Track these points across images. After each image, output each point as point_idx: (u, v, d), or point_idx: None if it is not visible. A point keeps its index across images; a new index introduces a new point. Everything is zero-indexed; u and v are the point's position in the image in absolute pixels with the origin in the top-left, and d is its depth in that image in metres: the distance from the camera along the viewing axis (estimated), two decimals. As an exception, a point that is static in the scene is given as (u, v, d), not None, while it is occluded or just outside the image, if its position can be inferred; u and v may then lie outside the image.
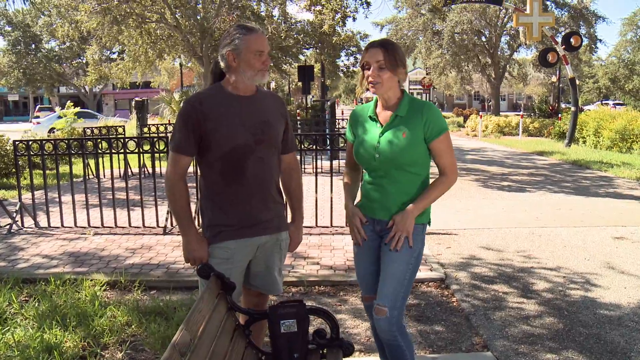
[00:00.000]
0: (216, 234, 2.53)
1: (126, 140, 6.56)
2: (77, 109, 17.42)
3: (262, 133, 2.53)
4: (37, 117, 31.15)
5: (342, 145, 6.57)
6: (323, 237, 6.15)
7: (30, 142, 6.66)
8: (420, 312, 4.19)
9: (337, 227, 6.54)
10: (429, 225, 2.69)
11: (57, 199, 6.80)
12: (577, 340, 3.65)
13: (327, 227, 6.53)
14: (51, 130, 21.60)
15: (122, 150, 6.49)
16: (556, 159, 14.37)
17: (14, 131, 22.39)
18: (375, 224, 2.65)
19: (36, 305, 4.22)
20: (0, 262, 5.34)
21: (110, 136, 11.32)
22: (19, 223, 6.71)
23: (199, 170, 2.63)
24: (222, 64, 2.54)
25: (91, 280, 4.74)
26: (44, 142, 6.67)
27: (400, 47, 2.63)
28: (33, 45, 43.53)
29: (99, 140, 6.73)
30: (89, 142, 6.74)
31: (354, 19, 12.57)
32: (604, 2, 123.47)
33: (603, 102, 43.02)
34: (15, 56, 42.38)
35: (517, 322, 3.96)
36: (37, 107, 44.14)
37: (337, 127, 15.21)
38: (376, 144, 2.58)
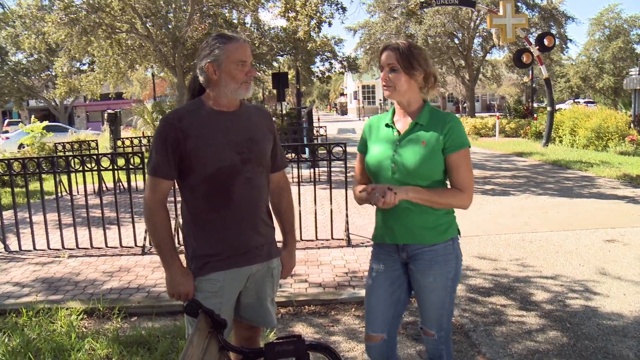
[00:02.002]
0: (202, 265, 2.29)
1: (99, 156, 6.24)
2: (45, 123, 16.91)
3: (249, 151, 2.30)
4: (6, 132, 30.32)
5: (323, 155, 6.36)
6: (309, 251, 5.92)
7: (-3, 162, 6.33)
8: (417, 331, 3.97)
9: (322, 240, 6.33)
10: (459, 235, 2.49)
11: (28, 220, 6.46)
12: (584, 356, 3.48)
13: (312, 240, 6.31)
14: (21, 145, 21.00)
15: (95, 168, 6.17)
16: (536, 160, 14.37)
17: (-18, 147, 21.76)
18: (400, 251, 2.44)
19: (6, 340, 3.91)
20: (-33, 292, 5.00)
21: (83, 153, 10.97)
22: (-13, 247, 6.36)
23: (180, 195, 2.39)
24: (201, 78, 2.31)
25: (67, 309, 4.45)
26: (11, 160, 6.33)
27: (421, 50, 2.40)
28: (-1, 59, 42.49)
29: (71, 157, 6.38)
30: (60, 159, 6.39)
31: (330, 25, 12.46)
32: (573, 2, 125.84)
33: (575, 100, 43.65)
34: (-20, 70, 41.28)
35: (520, 337, 3.78)
36: (6, 121, 43.04)
37: (315, 134, 15.01)
38: (392, 153, 2.38)
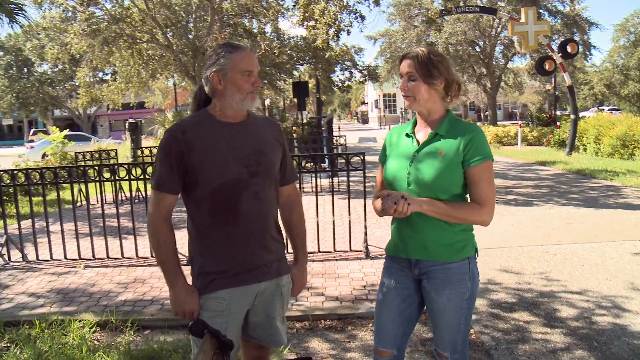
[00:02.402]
0: (208, 283, 2.20)
1: (116, 166, 6.22)
2: (65, 132, 17.09)
3: (257, 164, 2.21)
4: (32, 141, 30.82)
5: (342, 164, 6.24)
6: (326, 263, 5.81)
7: (15, 172, 6.34)
8: (437, 348, 3.84)
9: (341, 251, 6.20)
10: (477, 254, 2.34)
11: (46, 229, 6.45)
12: (614, 377, 3.31)
13: (330, 251, 6.19)
14: (44, 154, 21.28)
15: (112, 178, 6.15)
16: (559, 169, 14.08)
17: (8, 155, 22.11)
18: (412, 267, 2.33)
19: (18, 353, 3.86)
20: (-17, 303, 4.99)
21: (101, 163, 11.03)
22: (6, 257, 6.36)
23: (186, 210, 2.30)
24: (206, 88, 2.23)
25: (80, 321, 4.39)
26: (30, 170, 6.34)
27: (443, 57, 2.29)
28: (25, 69, 43.36)
29: (87, 167, 6.37)
30: (77, 169, 6.38)
31: (349, 33, 12.44)
32: (597, 8, 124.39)
33: (599, 108, 42.95)
34: (7, 80, 42.17)
35: (544, 356, 3.61)
36: (32, 130, 43.82)
37: (335, 144, 14.91)
38: (409, 164, 2.27)
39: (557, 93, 34.20)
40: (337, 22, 11.23)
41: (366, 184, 6.38)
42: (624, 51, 38.64)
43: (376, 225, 7.44)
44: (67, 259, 6.29)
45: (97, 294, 5.10)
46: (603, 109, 41.30)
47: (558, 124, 22.38)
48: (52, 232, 6.86)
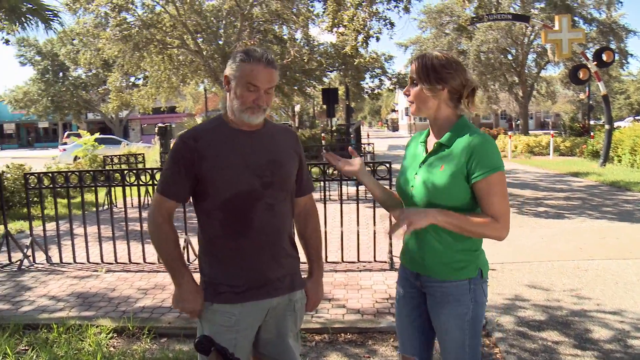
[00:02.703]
0: (216, 293, 2.10)
1: (139, 171, 6.21)
2: (96, 135, 17.32)
3: (271, 175, 2.11)
4: (65, 143, 31.44)
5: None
6: (349, 274, 5.68)
7: (41, 175, 6.39)
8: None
9: (365, 262, 6.07)
10: (482, 277, 2.19)
11: (70, 232, 6.47)
12: (649, 405, 3.11)
13: (354, 262, 6.07)
14: (76, 157, 21.64)
15: (135, 183, 6.14)
16: (592, 181, 13.69)
17: (43, 157, 22.51)
18: (414, 278, 2.25)
19: (34, 357, 3.84)
20: (4, 305, 5.00)
21: (126, 167, 11.11)
22: (31, 259, 6.40)
23: (197, 219, 2.21)
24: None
25: (97, 326, 4.35)
26: (55, 174, 6.38)
27: (450, 62, 2.14)
28: (61, 74, 44.37)
29: (112, 172, 6.39)
30: (101, 173, 6.39)
31: (377, 40, 12.31)
32: (635, 15, 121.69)
33: (635, 117, 41.86)
34: (44, 84, 43.22)
35: (575, 380, 3.43)
36: (66, 133, 44.76)
37: (362, 151, 14.79)
38: (414, 175, 2.18)
39: (591, 102, 33.46)
40: (366, 29, 11.13)
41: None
42: (662, 60, 37.62)
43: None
44: (90, 263, 6.29)
45: (116, 299, 5.07)
46: (638, 119, 40.27)
47: (592, 134, 21.86)
48: (76, 235, 6.89)
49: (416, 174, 2.17)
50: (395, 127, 70.49)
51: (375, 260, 6.09)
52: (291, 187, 2.22)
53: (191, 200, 2.19)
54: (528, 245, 6.86)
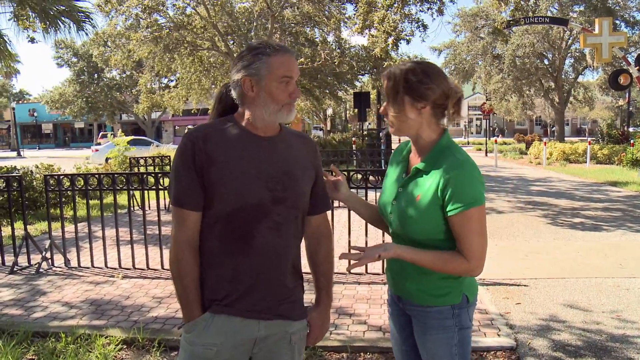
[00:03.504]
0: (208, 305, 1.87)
1: (159, 175, 6.06)
2: (129, 138, 17.39)
3: (283, 189, 1.86)
4: (99, 144, 31.87)
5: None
6: (373, 287, 5.41)
7: (61, 177, 6.29)
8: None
9: (389, 273, 5.79)
10: (468, 301, 1.99)
11: (89, 236, 6.36)
12: None
13: (379, 274, 5.79)
14: (107, 158, 21.84)
15: (154, 187, 6.00)
16: (633, 191, 13.10)
17: (77, 157, 22.86)
18: (397, 299, 2.11)
19: (38, 370, 3.68)
20: (17, 310, 4.89)
21: (157, 168, 11.05)
22: (49, 262, 6.31)
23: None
24: (234, 93, 1.89)
25: (106, 337, 4.19)
26: (75, 176, 6.28)
27: (427, 74, 1.90)
28: (96, 75, 45.15)
29: (132, 175, 6.26)
30: (121, 177, 6.27)
31: (408, 42, 11.96)
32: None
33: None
34: (79, 85, 44.04)
35: (616, 416, 3.10)
36: (100, 134, 45.52)
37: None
38: (393, 201, 1.98)
39: (630, 109, 32.40)
40: (396, 31, 10.85)
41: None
42: None
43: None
44: (108, 267, 6.17)
45: (129, 307, 4.90)
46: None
47: (632, 141, 21.07)
48: (96, 238, 6.79)
49: (395, 199, 1.98)
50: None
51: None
52: (303, 206, 1.96)
53: None
54: (563, 259, 6.48)
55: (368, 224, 2.75)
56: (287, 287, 1.92)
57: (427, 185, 1.87)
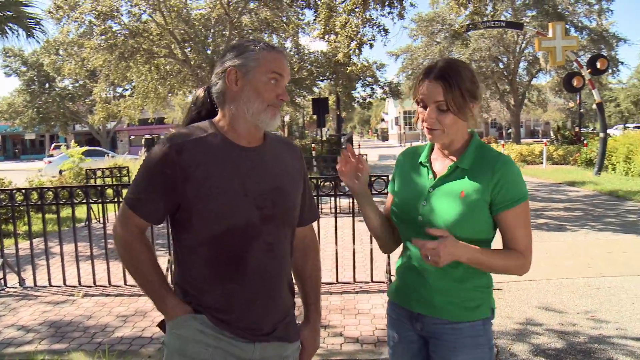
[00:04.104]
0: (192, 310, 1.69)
1: (119, 187, 5.79)
2: (84, 149, 16.84)
3: (273, 206, 1.68)
4: (52, 155, 30.85)
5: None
6: (345, 297, 5.28)
7: (14, 191, 5.95)
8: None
9: (361, 282, 5.68)
10: (493, 317, 1.87)
11: (47, 252, 6.02)
12: None
13: (350, 282, 5.67)
14: (62, 170, 21.11)
15: (115, 200, 5.72)
16: (590, 190, 13.39)
17: (28, 170, 21.98)
18: (412, 319, 1.88)
19: (-6, 402, 3.40)
20: (-32, 337, 4.55)
21: (114, 179, 10.67)
22: (2, 282, 5.94)
23: (173, 253, 1.79)
24: (215, 88, 1.69)
25: (68, 362, 3.93)
26: (29, 190, 5.94)
27: (469, 70, 1.80)
28: (47, 85, 43.78)
29: (89, 188, 5.97)
30: (77, 190, 5.97)
31: (371, 47, 11.91)
32: (625, 24, 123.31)
33: (625, 125, 41.93)
34: (29, 95, 42.59)
35: (605, 422, 3.05)
36: (53, 145, 44.11)
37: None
38: (422, 203, 1.79)
39: (581, 110, 33.40)
40: (359, 35, 10.80)
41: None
42: (651, 68, 37.72)
43: (398, 252, 6.89)
44: (67, 286, 5.85)
45: (92, 328, 4.63)
46: (628, 127, 40.32)
47: (585, 142, 21.66)
48: (53, 255, 6.45)
49: (425, 200, 1.80)
50: (385, 137, 70.28)
51: (372, 281, 5.70)
52: (294, 220, 1.80)
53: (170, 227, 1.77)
54: (533, 260, 6.40)
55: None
56: (283, 308, 1.77)
57: (473, 182, 1.75)
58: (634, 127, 37.52)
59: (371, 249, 5.74)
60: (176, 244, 1.73)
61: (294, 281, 1.93)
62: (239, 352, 1.69)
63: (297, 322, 1.90)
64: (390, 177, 2.07)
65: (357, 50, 10.96)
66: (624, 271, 5.99)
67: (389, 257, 5.74)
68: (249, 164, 1.67)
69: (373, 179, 5.68)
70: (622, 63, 29.98)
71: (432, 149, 1.91)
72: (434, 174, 1.85)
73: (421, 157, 1.91)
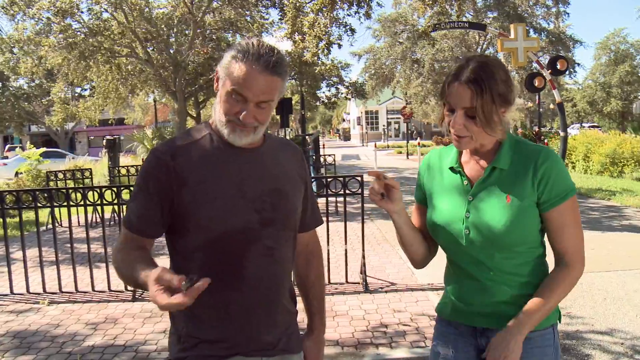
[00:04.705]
0: (193, 345, 1.59)
1: (86, 190, 5.59)
2: (42, 150, 16.31)
3: (273, 209, 1.60)
4: (6, 157, 29.84)
5: (338, 191, 5.63)
6: (322, 298, 5.21)
7: (-28, 195, 5.67)
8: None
9: (336, 284, 5.63)
10: (559, 322, 1.78)
11: (8, 258, 5.76)
12: None
13: (325, 284, 5.59)
14: (18, 173, 20.41)
15: (81, 202, 5.51)
16: (553, 188, 13.67)
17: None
18: (477, 335, 1.75)
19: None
20: None
21: (77, 181, 10.35)
22: (-39, 291, 5.67)
23: (170, 260, 1.68)
24: None
25: (37, 374, 3.75)
26: (-12, 194, 5.67)
27: (503, 71, 1.65)
28: (0, 84, 42.32)
29: (55, 191, 5.74)
30: (41, 193, 5.74)
31: (340, 47, 11.90)
32: (581, 26, 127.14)
33: (582, 125, 43.15)
34: (-19, 95, 41.08)
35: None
36: (7, 146, 42.65)
37: (324, 163, 14.37)
38: (465, 214, 1.68)
39: (540, 110, 34.17)
40: (327, 35, 10.75)
41: (366, 207, 5.81)
42: (605, 69, 38.84)
43: (372, 252, 6.88)
44: (31, 293, 5.61)
45: (61, 337, 4.43)
46: (584, 126, 41.51)
47: (546, 141, 22.16)
48: (14, 261, 6.19)
49: (467, 212, 1.68)
50: (347, 137, 70.51)
51: (347, 282, 5.66)
52: (295, 224, 1.71)
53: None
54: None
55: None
56: (285, 317, 1.69)
57: (516, 182, 1.64)
58: (590, 127, 38.63)
59: (345, 250, 5.69)
60: (172, 251, 1.65)
61: (299, 290, 1.87)
62: None
63: (300, 332, 1.82)
64: (416, 185, 1.92)
65: (325, 50, 10.92)
66: (594, 268, 6.09)
67: (363, 257, 5.71)
68: (246, 165, 1.60)
69: (347, 179, 5.63)
70: (578, 64, 30.78)
71: (460, 151, 1.78)
72: (469, 179, 1.72)
73: (450, 161, 1.78)
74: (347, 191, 5.57)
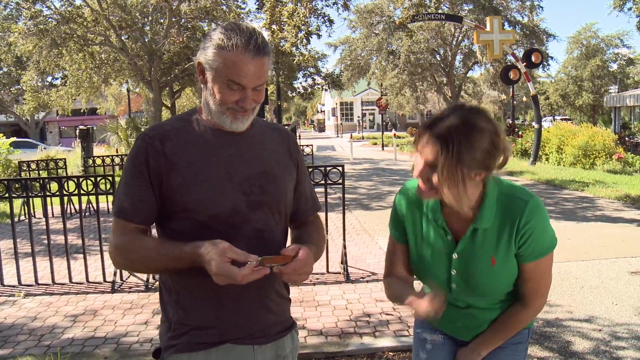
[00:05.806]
0: (184, 332, 1.58)
1: (64, 180, 5.47)
2: (12, 139, 15.94)
3: (261, 192, 1.59)
4: (-27, 148, 29.10)
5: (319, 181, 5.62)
6: (303, 288, 5.19)
7: (-56, 185, 5.51)
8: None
9: (317, 274, 5.62)
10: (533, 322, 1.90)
11: (-20, 252, 5.63)
12: None
13: (325, 238, 5.59)
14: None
15: (57, 193, 5.40)
16: (528, 179, 13.88)
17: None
18: (458, 342, 1.87)
19: None
20: None
21: (50, 171, 10.13)
22: None
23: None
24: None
25: (15, 367, 3.67)
26: (-39, 184, 5.52)
27: (489, 134, 1.53)
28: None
29: (31, 181, 5.61)
30: (16, 183, 5.60)
31: (319, 37, 11.84)
32: (554, 20, 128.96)
33: (554, 117, 43.82)
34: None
35: (571, 404, 3.12)
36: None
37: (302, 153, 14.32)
38: (451, 271, 1.70)
39: (514, 103, 34.59)
40: (306, 25, 10.69)
41: (345, 198, 5.82)
42: (577, 63, 39.44)
43: (352, 243, 6.89)
44: (5, 285, 5.49)
45: (39, 330, 4.35)
46: (556, 119, 42.17)
47: (520, 133, 22.46)
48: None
49: (454, 269, 1.70)
50: (321, 128, 70.47)
51: (328, 272, 5.66)
52: (286, 208, 1.69)
53: None
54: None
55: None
56: (277, 303, 1.68)
57: (501, 241, 1.63)
58: (562, 119, 39.26)
59: (326, 240, 5.69)
60: (159, 233, 1.63)
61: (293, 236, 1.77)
62: (239, 357, 1.60)
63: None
64: (391, 218, 1.86)
65: (304, 40, 10.86)
66: (570, 257, 6.20)
67: (344, 247, 5.72)
68: (233, 149, 1.59)
69: (329, 169, 5.62)
70: (551, 58, 31.23)
71: (442, 203, 1.69)
72: (453, 234, 1.69)
73: (429, 207, 1.72)
74: (329, 181, 5.56)
